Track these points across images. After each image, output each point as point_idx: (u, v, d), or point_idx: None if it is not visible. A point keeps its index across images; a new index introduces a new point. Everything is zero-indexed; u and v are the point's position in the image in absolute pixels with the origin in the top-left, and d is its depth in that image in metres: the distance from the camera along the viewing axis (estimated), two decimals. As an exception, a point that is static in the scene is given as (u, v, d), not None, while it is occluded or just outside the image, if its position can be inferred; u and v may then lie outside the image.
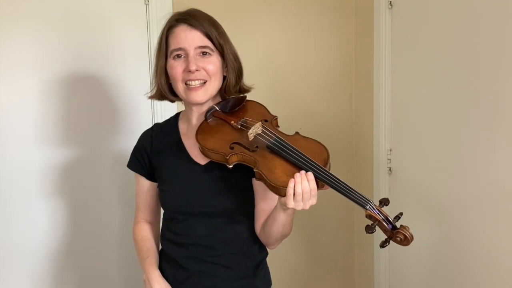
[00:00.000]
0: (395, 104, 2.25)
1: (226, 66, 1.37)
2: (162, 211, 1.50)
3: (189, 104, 1.39)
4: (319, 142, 1.26)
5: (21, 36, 1.95)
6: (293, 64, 2.43)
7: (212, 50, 1.33)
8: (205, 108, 1.38)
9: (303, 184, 1.13)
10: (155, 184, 1.46)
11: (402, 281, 2.29)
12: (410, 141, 2.16)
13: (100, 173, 2.13)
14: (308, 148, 1.22)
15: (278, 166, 1.20)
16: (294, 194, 1.14)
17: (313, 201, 1.16)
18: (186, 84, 1.32)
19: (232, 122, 1.33)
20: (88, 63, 2.06)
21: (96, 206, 2.13)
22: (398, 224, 1.16)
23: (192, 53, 1.30)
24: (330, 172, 1.17)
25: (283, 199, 1.17)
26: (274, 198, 1.30)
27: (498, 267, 1.70)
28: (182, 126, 1.44)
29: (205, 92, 1.33)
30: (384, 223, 1.15)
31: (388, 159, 2.30)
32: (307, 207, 1.15)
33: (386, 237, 1.17)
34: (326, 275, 2.65)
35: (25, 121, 1.99)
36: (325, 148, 1.24)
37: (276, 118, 1.36)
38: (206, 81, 1.33)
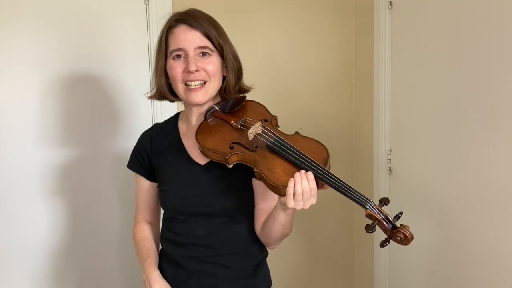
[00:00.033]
0: (395, 104, 2.25)
1: (226, 66, 1.37)
2: (162, 211, 1.50)
3: (188, 105, 1.39)
4: (319, 142, 1.26)
5: (21, 36, 1.95)
6: (293, 64, 2.43)
7: (211, 51, 1.33)
8: (204, 108, 1.38)
9: (303, 184, 1.13)
10: (155, 184, 1.46)
11: (402, 281, 2.29)
12: (410, 141, 2.16)
13: (100, 173, 2.13)
14: (308, 148, 1.22)
15: (278, 166, 1.20)
16: (294, 194, 1.14)
17: (313, 200, 1.16)
18: (186, 84, 1.32)
19: (232, 122, 1.33)
20: (88, 63, 2.06)
21: (96, 206, 2.13)
22: (398, 224, 1.16)
23: (191, 53, 1.30)
24: (330, 171, 1.17)
25: (283, 198, 1.17)
26: (274, 197, 1.30)
27: (498, 267, 1.70)
28: (182, 126, 1.44)
29: (205, 92, 1.33)
30: (384, 223, 1.15)
31: (388, 159, 2.30)
32: (307, 206, 1.15)
33: (386, 236, 1.17)
34: (326, 275, 2.65)
35: (25, 121, 1.99)
36: (325, 148, 1.24)
37: (276, 118, 1.36)
38: (206, 81, 1.33)
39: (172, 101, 1.43)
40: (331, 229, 2.62)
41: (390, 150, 2.30)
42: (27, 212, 2.02)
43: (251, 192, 1.37)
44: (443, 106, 1.91)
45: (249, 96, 1.43)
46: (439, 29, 1.92)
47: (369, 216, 1.16)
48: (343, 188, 1.15)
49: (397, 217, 1.17)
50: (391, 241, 1.16)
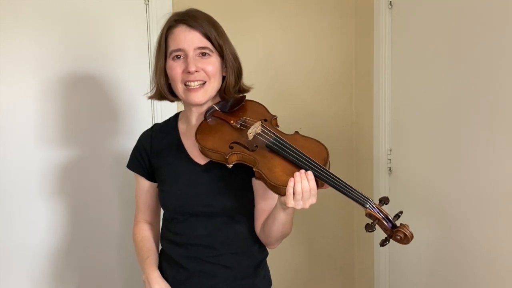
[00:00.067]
0: (395, 104, 2.25)
1: (226, 67, 1.36)
2: (162, 211, 1.50)
3: (188, 105, 1.39)
4: (318, 141, 1.26)
5: (21, 36, 1.95)
6: (293, 64, 2.43)
7: (211, 51, 1.33)
8: (204, 108, 1.38)
9: (302, 183, 1.13)
10: (154, 185, 1.46)
11: (402, 281, 2.29)
12: (410, 141, 2.16)
13: (100, 173, 2.13)
14: (307, 147, 1.22)
15: (277, 165, 1.20)
16: (294, 193, 1.14)
17: (313, 200, 1.16)
18: (185, 85, 1.32)
19: (232, 121, 1.33)
20: (88, 63, 2.06)
21: (96, 206, 2.13)
22: (398, 223, 1.16)
23: (191, 54, 1.30)
24: (330, 171, 1.17)
25: (283, 198, 1.17)
26: (274, 197, 1.30)
27: (498, 267, 1.70)
28: (181, 126, 1.44)
29: (204, 93, 1.33)
30: (384, 222, 1.15)
31: (388, 159, 2.30)
32: (307, 206, 1.15)
33: (386, 235, 1.17)
34: (326, 274, 2.65)
35: (25, 121, 1.99)
36: (325, 147, 1.24)
37: (276, 118, 1.36)
38: (206, 82, 1.33)
39: (171, 101, 1.43)
40: (331, 229, 2.62)
41: (390, 150, 2.30)
42: (27, 212, 2.02)
43: (251, 192, 1.37)
44: (443, 106, 1.91)
45: (249, 96, 1.43)
46: (439, 29, 1.92)
47: (369, 215, 1.16)
48: (343, 188, 1.15)
49: (397, 216, 1.17)
50: (391, 240, 1.16)
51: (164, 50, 1.35)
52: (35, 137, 2.01)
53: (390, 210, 1.19)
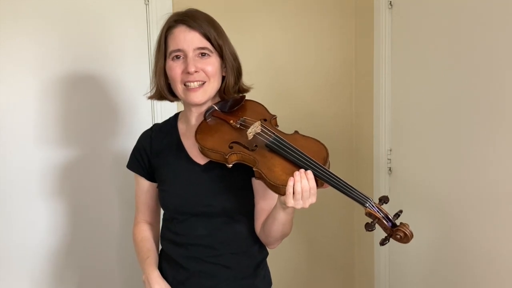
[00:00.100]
0: (395, 104, 2.25)
1: (225, 67, 1.36)
2: (162, 211, 1.50)
3: (188, 105, 1.39)
4: (318, 141, 1.26)
5: (21, 36, 1.95)
6: (293, 64, 2.43)
7: (211, 51, 1.32)
8: (204, 108, 1.38)
9: (302, 183, 1.13)
10: (154, 185, 1.46)
11: (402, 280, 2.29)
12: (410, 141, 2.16)
13: (100, 173, 2.13)
14: (307, 147, 1.22)
15: (277, 165, 1.20)
16: (293, 193, 1.14)
17: (313, 199, 1.15)
18: (185, 85, 1.32)
19: (231, 121, 1.33)
20: (88, 63, 2.06)
21: (96, 206, 2.13)
22: (397, 222, 1.16)
23: (191, 54, 1.30)
24: (330, 170, 1.17)
25: (282, 198, 1.17)
26: (273, 197, 1.30)
27: (498, 267, 1.70)
28: (181, 126, 1.44)
29: (204, 93, 1.33)
30: (384, 221, 1.15)
31: (388, 159, 2.30)
32: (306, 205, 1.15)
33: (386, 234, 1.17)
34: (326, 274, 2.65)
35: (25, 121, 1.99)
36: (325, 147, 1.24)
37: (275, 117, 1.36)
38: (205, 82, 1.33)
39: (171, 101, 1.43)
40: (331, 228, 2.62)
41: (390, 150, 2.30)
42: (27, 212, 2.02)
43: (251, 191, 1.37)
44: (443, 106, 1.91)
45: (249, 96, 1.43)
46: (439, 29, 1.92)
47: (369, 214, 1.16)
48: (342, 187, 1.15)
49: (397, 215, 1.18)
50: (391, 239, 1.16)
51: (163, 50, 1.35)
52: (35, 137, 2.01)
53: (390, 210, 1.19)
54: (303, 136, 1.29)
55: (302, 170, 1.16)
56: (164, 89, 1.38)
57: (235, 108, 1.38)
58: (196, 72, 1.30)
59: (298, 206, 1.15)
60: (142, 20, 2.13)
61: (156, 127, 1.49)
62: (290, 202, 1.14)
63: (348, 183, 1.16)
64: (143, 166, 1.45)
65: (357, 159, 2.58)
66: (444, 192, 1.93)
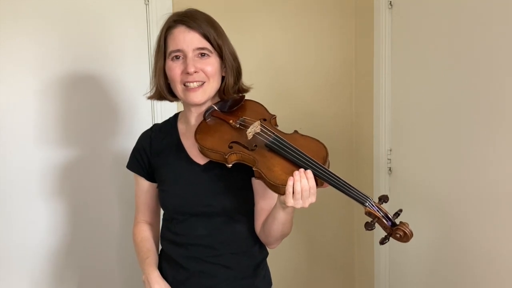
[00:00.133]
0: (395, 104, 2.25)
1: (225, 67, 1.36)
2: (162, 211, 1.50)
3: (187, 105, 1.39)
4: (318, 140, 1.26)
5: (21, 36, 1.95)
6: (293, 64, 2.43)
7: (210, 51, 1.32)
8: (203, 108, 1.38)
9: (302, 182, 1.13)
10: (154, 185, 1.46)
11: (402, 280, 2.29)
12: (410, 141, 2.16)
13: (100, 173, 2.13)
14: (307, 146, 1.22)
15: (277, 165, 1.20)
16: (293, 192, 1.14)
17: (313, 199, 1.15)
18: (184, 85, 1.32)
19: (231, 121, 1.33)
20: (88, 63, 2.06)
21: (96, 206, 2.13)
22: (397, 221, 1.16)
23: (190, 54, 1.30)
24: (329, 170, 1.17)
25: (282, 197, 1.17)
26: (273, 197, 1.30)
27: (498, 267, 1.70)
28: (181, 127, 1.44)
29: (203, 93, 1.33)
30: (384, 220, 1.15)
31: (388, 159, 2.30)
32: (306, 205, 1.15)
33: (386, 234, 1.17)
34: (326, 274, 2.65)
35: (25, 121, 1.99)
36: (324, 146, 1.24)
37: (275, 117, 1.36)
38: (204, 82, 1.33)
39: (171, 101, 1.43)
40: (331, 228, 2.62)
41: (390, 150, 2.30)
42: (27, 212, 2.02)
43: (251, 191, 1.37)
44: (443, 106, 1.91)
45: (249, 96, 1.43)
46: (439, 29, 1.92)
47: (369, 213, 1.16)
48: (342, 186, 1.15)
49: (397, 214, 1.18)
50: (390, 238, 1.16)
51: (163, 51, 1.35)
52: (35, 137, 2.01)
53: (390, 210, 1.19)
54: (303, 135, 1.29)
55: (302, 170, 1.16)
56: (163, 89, 1.38)
57: (235, 108, 1.38)
58: (195, 72, 1.30)
59: (298, 206, 1.15)
60: (142, 20, 2.13)
61: (155, 127, 1.49)
62: (290, 201, 1.14)
63: (348, 182, 1.16)
64: (143, 166, 1.45)
65: (357, 159, 2.58)
66: (444, 192, 1.93)
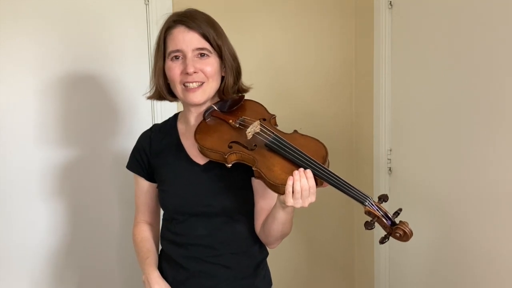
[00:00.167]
0: (395, 104, 2.25)
1: (225, 67, 1.36)
2: (162, 211, 1.50)
3: (187, 105, 1.39)
4: (317, 140, 1.26)
5: (21, 36, 1.95)
6: (293, 64, 2.43)
7: (210, 52, 1.32)
8: (203, 108, 1.38)
9: (301, 182, 1.13)
10: (154, 185, 1.46)
11: (402, 280, 2.29)
12: (410, 141, 2.16)
13: (100, 173, 2.13)
14: (306, 146, 1.22)
15: (276, 164, 1.20)
16: (293, 192, 1.14)
17: (312, 198, 1.15)
18: (184, 85, 1.32)
19: (231, 121, 1.33)
20: (88, 63, 2.06)
21: (96, 206, 2.13)
22: (397, 220, 1.16)
23: (189, 55, 1.30)
24: (329, 169, 1.17)
25: (282, 197, 1.17)
26: (273, 196, 1.30)
27: (498, 267, 1.69)
28: (180, 127, 1.44)
29: (202, 93, 1.33)
30: (383, 219, 1.15)
31: (388, 159, 2.30)
32: (306, 204, 1.15)
33: (386, 233, 1.17)
34: (326, 274, 2.65)
35: (25, 121, 1.99)
36: (324, 146, 1.24)
37: (275, 117, 1.36)
38: (204, 82, 1.32)
39: (171, 101, 1.43)
40: (331, 228, 2.62)
41: (390, 150, 2.30)
42: (27, 212, 2.02)
43: (251, 191, 1.37)
44: (443, 106, 1.91)
45: (249, 96, 1.43)
46: (439, 29, 1.92)
47: (368, 213, 1.16)
48: (342, 186, 1.15)
49: (396, 213, 1.18)
50: (390, 237, 1.16)
51: (162, 51, 1.35)
52: (35, 137, 2.01)
53: (390, 210, 1.19)
54: (302, 135, 1.29)
55: (302, 169, 1.16)
56: (163, 89, 1.38)
57: (234, 108, 1.38)
58: (195, 73, 1.30)
59: (298, 205, 1.15)
60: (142, 20, 2.14)
61: (155, 128, 1.49)
62: (290, 201, 1.14)
63: (348, 182, 1.16)
64: (142, 167, 1.45)
65: (357, 159, 2.58)
66: (444, 192, 1.93)
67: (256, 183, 1.34)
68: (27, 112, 1.99)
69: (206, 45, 1.31)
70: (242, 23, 2.32)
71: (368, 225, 1.15)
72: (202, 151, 1.30)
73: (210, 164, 1.34)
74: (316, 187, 1.16)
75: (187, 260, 1.37)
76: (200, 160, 1.36)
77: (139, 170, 1.46)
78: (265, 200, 1.35)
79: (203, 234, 1.35)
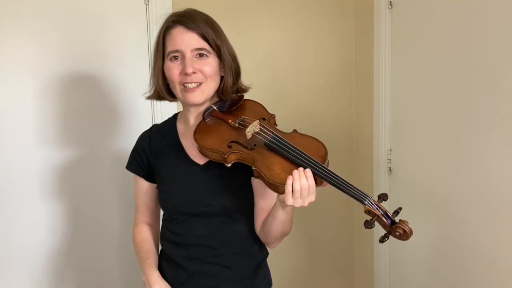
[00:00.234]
0: (395, 104, 2.25)
1: (224, 67, 1.36)
2: (161, 212, 1.49)
3: (186, 105, 1.39)
4: (317, 139, 1.26)
5: (21, 36, 1.95)
6: (293, 64, 2.43)
7: (209, 52, 1.32)
8: (202, 108, 1.38)
9: (301, 181, 1.13)
10: (154, 185, 1.46)
11: (402, 280, 2.29)
12: (410, 141, 2.16)
13: (100, 173, 2.13)
14: (306, 145, 1.22)
15: (276, 164, 1.20)
16: (292, 191, 1.14)
17: (312, 198, 1.15)
18: (183, 85, 1.32)
19: (230, 121, 1.33)
20: (88, 63, 2.06)
21: (96, 206, 2.13)
22: (397, 219, 1.16)
23: (188, 55, 1.30)
24: (329, 168, 1.17)
25: (281, 196, 1.17)
26: (273, 196, 1.30)
27: (498, 267, 1.69)
28: (180, 127, 1.44)
29: (201, 93, 1.33)
30: (383, 218, 1.15)
31: (388, 159, 2.30)
32: (305, 204, 1.15)
33: (386, 232, 1.17)
34: (326, 273, 2.65)
35: (25, 121, 1.99)
36: (323, 145, 1.24)
37: (274, 117, 1.36)
38: (203, 82, 1.32)
39: (170, 101, 1.43)
40: (330, 228, 2.61)
41: (390, 150, 2.30)
42: (27, 212, 2.02)
43: (250, 191, 1.37)
44: (443, 106, 1.91)
45: (249, 96, 1.43)
46: (439, 29, 1.91)
47: (368, 212, 1.16)
48: (341, 185, 1.15)
49: (396, 212, 1.18)
50: (390, 236, 1.16)
51: (161, 51, 1.35)
52: (35, 137, 2.01)
53: (389, 210, 1.19)
54: (302, 134, 1.29)
55: (301, 169, 1.16)
56: (162, 90, 1.38)
57: (234, 108, 1.38)
58: (194, 73, 1.30)
59: (297, 205, 1.15)
60: (142, 20, 2.14)
61: (155, 128, 1.49)
62: (289, 200, 1.14)
63: (347, 181, 1.16)
64: (142, 167, 1.45)
65: (357, 159, 2.58)
66: (444, 192, 1.93)
67: (256, 183, 1.34)
68: (27, 112, 1.99)
69: (205, 45, 1.31)
70: (242, 23, 2.32)
71: (368, 224, 1.15)
72: (202, 151, 1.30)
73: (210, 164, 1.34)
74: (316, 187, 1.16)
75: (187, 260, 1.37)
76: (200, 160, 1.36)
77: (138, 171, 1.46)
78: (265, 200, 1.35)
79: (203, 234, 1.35)
